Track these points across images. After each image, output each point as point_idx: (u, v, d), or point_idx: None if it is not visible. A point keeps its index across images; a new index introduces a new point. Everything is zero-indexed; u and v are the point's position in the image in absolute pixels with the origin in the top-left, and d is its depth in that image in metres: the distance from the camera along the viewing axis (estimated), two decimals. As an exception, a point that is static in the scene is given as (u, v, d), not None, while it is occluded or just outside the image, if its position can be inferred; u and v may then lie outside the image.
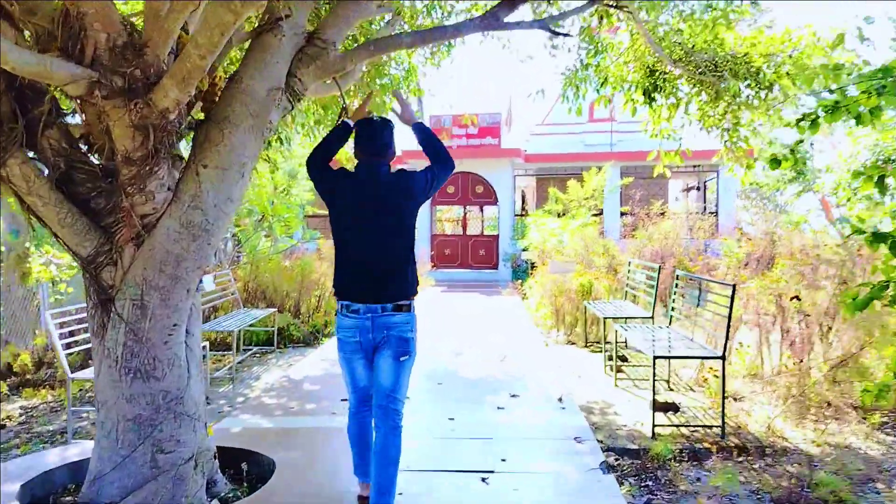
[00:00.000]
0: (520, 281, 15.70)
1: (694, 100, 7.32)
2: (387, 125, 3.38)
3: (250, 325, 7.81)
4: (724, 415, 4.68)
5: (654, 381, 4.73)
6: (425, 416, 4.91)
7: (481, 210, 22.67)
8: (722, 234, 15.57)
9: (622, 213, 13.85)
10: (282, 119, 6.18)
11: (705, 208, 19.23)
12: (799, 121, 3.06)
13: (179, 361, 3.56)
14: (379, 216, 3.16)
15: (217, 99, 3.73)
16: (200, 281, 7.65)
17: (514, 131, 21.67)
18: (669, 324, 6.11)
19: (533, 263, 14.00)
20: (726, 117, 7.35)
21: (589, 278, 8.42)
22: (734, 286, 4.68)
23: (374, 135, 3.31)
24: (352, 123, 3.47)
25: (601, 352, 7.76)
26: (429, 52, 8.81)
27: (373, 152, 3.28)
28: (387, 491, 3.10)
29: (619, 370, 6.52)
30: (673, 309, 6.09)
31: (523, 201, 26.02)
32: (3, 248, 7.50)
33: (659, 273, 6.62)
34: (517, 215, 19.95)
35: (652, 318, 6.63)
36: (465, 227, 20.58)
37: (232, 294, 8.37)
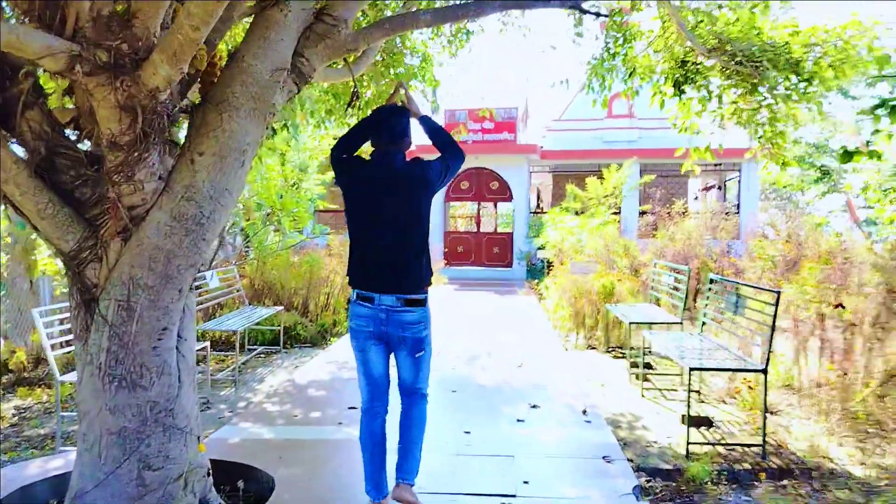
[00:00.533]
0: (535, 280, 15.30)
1: (726, 93, 6.90)
2: (403, 113, 3.36)
3: (255, 324, 7.49)
4: (765, 434, 4.29)
5: (689, 394, 4.34)
6: (439, 428, 4.55)
7: (495, 207, 22.30)
8: (745, 235, 15.11)
9: (642, 213, 13.41)
10: (288, 105, 5.83)
11: (728, 209, 18.69)
12: (876, 108, 2.66)
13: (169, 369, 3.21)
14: (394, 204, 3.15)
15: (216, 80, 3.39)
16: (204, 277, 7.32)
17: (530, 127, 21.27)
18: (701, 330, 5.72)
19: (549, 262, 13.60)
20: (761, 112, 6.93)
21: (611, 280, 8.03)
22: (778, 293, 4.28)
23: (390, 123, 3.28)
24: None
25: (624, 358, 7.37)
26: (446, 42, 8.45)
27: (388, 140, 3.25)
28: (411, 452, 3.27)
29: (645, 379, 6.13)
30: (705, 315, 5.69)
31: (538, 199, 25.59)
32: (8, 240, 7.23)
33: (689, 276, 6.22)
34: (532, 213, 19.54)
35: (681, 323, 6.23)
36: (478, 224, 20.19)
37: (237, 291, 8.05)
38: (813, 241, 13.74)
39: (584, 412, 5.02)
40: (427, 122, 3.45)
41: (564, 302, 8.97)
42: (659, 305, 7.68)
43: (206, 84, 3.47)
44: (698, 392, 5.67)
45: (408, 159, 3.28)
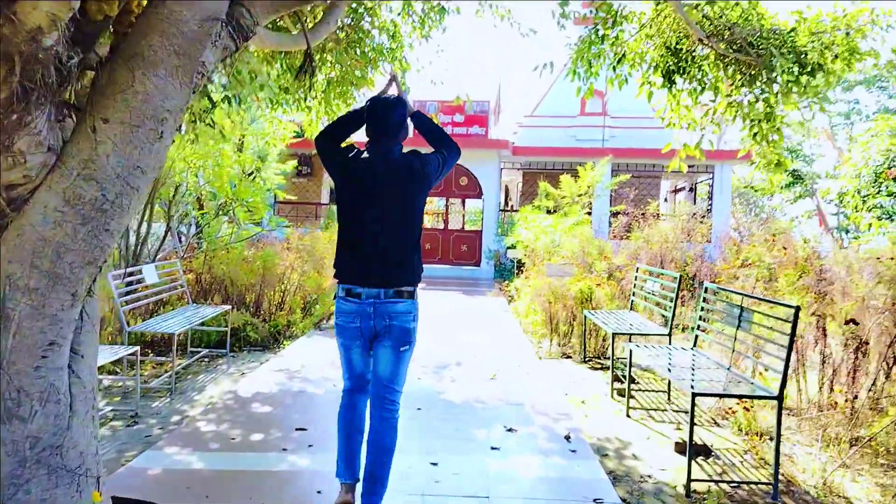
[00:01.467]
0: (505, 281, 14.73)
1: (721, 84, 6.38)
2: (400, 104, 3.20)
3: (200, 325, 6.73)
4: (777, 470, 3.72)
5: (692, 426, 3.75)
6: (402, 458, 3.90)
7: (463, 204, 21.70)
8: (717, 239, 14.77)
9: (615, 213, 12.94)
10: (234, 76, 5.08)
11: (704, 210, 18.38)
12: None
13: (57, 395, 2.51)
14: (389, 198, 3.06)
15: (130, 29, 2.68)
16: (140, 272, 6.53)
17: (502, 121, 20.71)
18: (694, 344, 5.17)
19: (520, 262, 13.04)
20: (757, 106, 6.43)
21: (588, 284, 7.46)
22: (797, 308, 3.72)
23: (386, 113, 3.14)
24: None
25: (602, 369, 6.81)
26: (417, 21, 7.77)
27: (385, 132, 3.13)
28: (379, 480, 3.06)
29: (628, 395, 5.57)
30: (698, 328, 5.14)
31: (507, 196, 25.10)
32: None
33: (680, 283, 5.67)
34: (501, 210, 18.98)
35: (669, 335, 5.68)
36: (446, 222, 19.54)
37: (181, 287, 7.26)
38: (790, 249, 13.47)
39: (568, 438, 4.41)
40: (420, 118, 3.38)
41: (537, 306, 8.39)
42: (643, 314, 7.15)
43: (117, 34, 2.76)
44: (686, 412, 5.11)
45: (405, 151, 3.19)
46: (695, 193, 21.37)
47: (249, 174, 14.10)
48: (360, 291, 3.03)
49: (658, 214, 13.36)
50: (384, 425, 3.10)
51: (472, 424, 4.69)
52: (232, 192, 9.33)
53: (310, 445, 4.17)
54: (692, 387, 3.90)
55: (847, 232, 17.90)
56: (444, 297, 12.37)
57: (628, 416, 5.13)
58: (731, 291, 4.68)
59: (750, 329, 4.24)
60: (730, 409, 5.14)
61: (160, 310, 7.56)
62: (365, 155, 3.13)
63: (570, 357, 7.40)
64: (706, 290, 5.15)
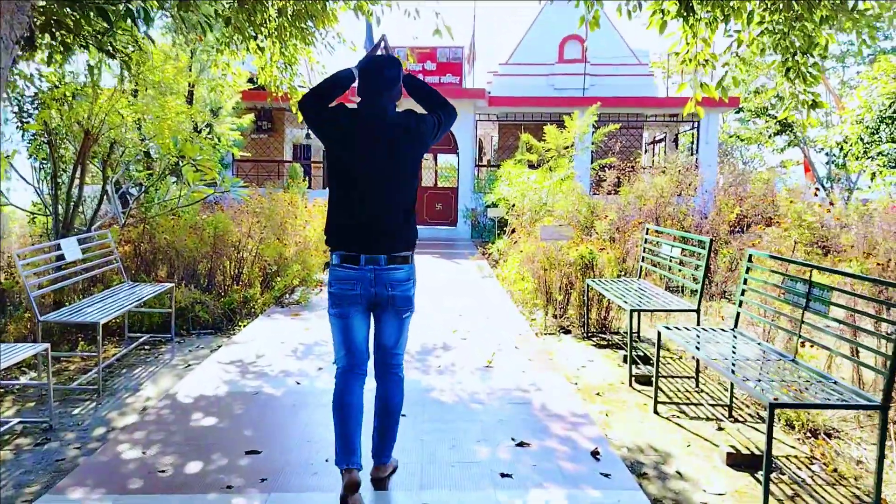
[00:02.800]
0: (485, 241, 13.77)
1: (752, 3, 5.37)
2: (394, 63, 3.04)
3: (138, 307, 5.65)
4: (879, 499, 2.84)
5: (770, 445, 2.83)
6: (383, 498, 2.93)
7: (435, 159, 20.54)
8: (706, 193, 13.94)
9: (603, 167, 11.97)
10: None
11: (690, 163, 17.54)
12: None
13: None
14: (384, 158, 2.90)
15: None
16: (58, 247, 5.40)
17: (477, 70, 19.46)
18: (735, 325, 4.26)
19: (502, 222, 12.06)
20: (791, 39, 5.45)
21: (590, 248, 6.50)
22: (911, 290, 2.80)
23: (381, 72, 2.97)
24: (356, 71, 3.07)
25: (608, 346, 5.91)
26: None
27: (378, 91, 2.96)
28: (389, 438, 3.09)
29: (649, 382, 4.68)
30: (741, 304, 4.23)
31: (480, 151, 23.99)
32: None
33: (710, 248, 4.72)
34: (477, 166, 17.90)
35: (697, 311, 4.76)
36: (420, 178, 18.42)
37: (115, 263, 6.14)
38: (776, 200, 12.67)
39: (596, 455, 3.47)
40: (412, 81, 3.21)
41: (528, 273, 7.45)
42: (658, 283, 6.25)
43: None
44: (729, 408, 4.22)
45: (399, 110, 3.01)
46: (676, 144, 20.51)
47: (201, 130, 12.81)
48: (358, 256, 2.89)
49: (652, 166, 12.40)
50: (392, 388, 3.08)
51: (472, 437, 3.73)
52: (176, 150, 8.11)
53: (263, 479, 3.17)
54: (763, 390, 2.97)
55: (838, 182, 17.27)
56: (422, 261, 11.36)
57: (656, 411, 4.23)
58: (797, 262, 3.73)
59: (827, 312, 3.31)
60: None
61: (92, 290, 6.45)
62: (357, 112, 2.95)
63: (568, 332, 6.49)
64: (750, 259, 4.21)
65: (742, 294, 4.22)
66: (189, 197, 8.92)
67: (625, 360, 5.41)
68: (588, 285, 6.16)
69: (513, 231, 11.02)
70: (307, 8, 6.66)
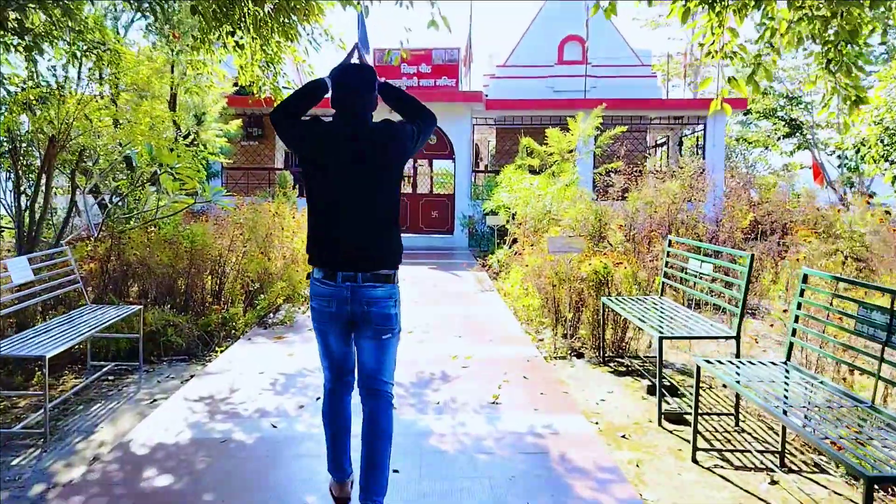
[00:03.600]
0: (483, 251, 13.13)
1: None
2: (369, 70, 2.92)
3: (100, 332, 5.01)
4: None
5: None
6: None
7: (430, 165, 19.92)
8: (714, 198, 13.35)
9: (610, 171, 11.35)
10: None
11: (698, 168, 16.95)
12: None
13: None
14: (362, 171, 2.75)
15: None
16: (5, 269, 4.75)
17: (473, 72, 18.87)
18: (788, 358, 3.63)
19: (502, 230, 11.43)
20: (830, 25, 4.85)
21: (604, 262, 5.87)
22: None
23: (353, 78, 2.86)
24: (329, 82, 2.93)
25: (628, 373, 5.28)
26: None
27: (353, 98, 2.83)
28: (378, 466, 2.76)
29: (681, 420, 4.04)
30: (794, 333, 3.60)
31: (477, 156, 23.38)
32: None
33: (752, 265, 4.09)
34: (474, 171, 17.28)
35: (737, 338, 4.13)
36: (414, 185, 17.77)
37: (74, 284, 5.48)
38: (788, 205, 12.07)
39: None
40: (387, 89, 3.03)
41: (533, 289, 6.81)
42: (684, 303, 5.62)
43: None
44: (781, 454, 3.58)
45: (376, 121, 2.87)
46: (680, 147, 19.94)
47: (185, 136, 12.17)
48: (336, 273, 2.76)
49: (654, 172, 11.79)
50: (377, 411, 2.83)
51: (479, 502, 3.08)
52: (147, 156, 7.46)
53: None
54: (859, 460, 2.33)
55: (852, 186, 16.68)
56: (417, 273, 10.71)
57: (695, 460, 3.60)
58: (874, 287, 3.09)
59: (919, 350, 2.69)
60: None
61: (38, 317, 5.80)
62: (332, 124, 2.82)
63: (581, 355, 5.86)
64: (805, 280, 3.58)
65: (796, 321, 3.59)
66: (170, 207, 8.28)
67: (649, 392, 4.78)
68: (604, 304, 5.53)
69: (514, 241, 10.39)
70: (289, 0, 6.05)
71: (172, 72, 10.90)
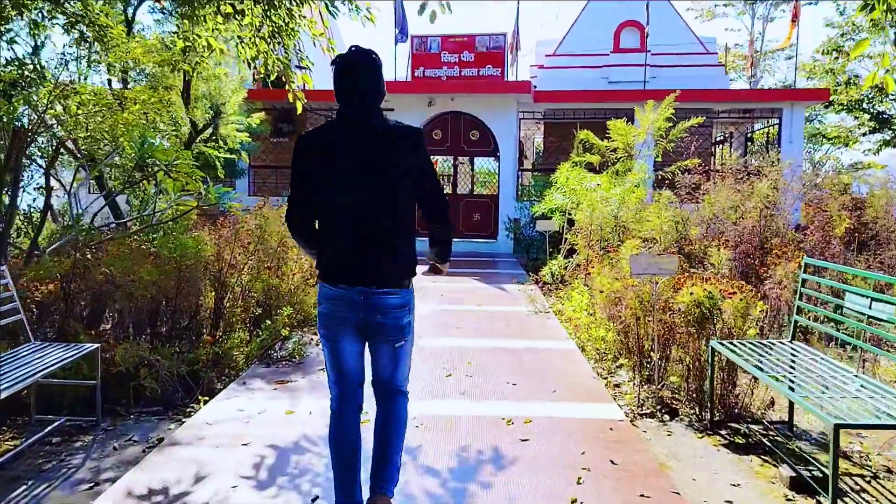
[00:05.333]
0: (535, 261, 11.66)
1: None
2: (369, 53, 2.64)
3: (44, 378, 3.75)
4: None
5: None
6: None
7: (471, 163, 18.47)
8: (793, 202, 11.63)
9: (682, 170, 9.77)
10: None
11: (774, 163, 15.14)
12: None
13: None
14: (369, 171, 2.56)
15: None
16: None
17: (521, 61, 17.42)
18: None
19: (556, 236, 9.97)
20: None
21: (703, 290, 4.39)
22: None
23: (355, 67, 2.60)
24: None
25: (747, 445, 3.79)
26: None
27: (358, 90, 2.59)
28: (390, 459, 2.69)
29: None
30: None
31: (520, 154, 21.88)
32: None
33: None
34: (521, 170, 15.81)
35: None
36: (454, 185, 16.36)
37: (13, 316, 4.23)
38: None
39: None
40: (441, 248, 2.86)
41: (607, 318, 5.36)
42: (807, 342, 4.12)
43: None
44: None
45: (391, 120, 2.65)
46: (746, 143, 18.12)
47: (201, 130, 11.00)
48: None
49: (742, 169, 10.13)
50: (392, 412, 2.74)
51: None
52: (137, 151, 6.21)
53: None
54: None
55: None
56: (457, 288, 9.29)
57: None
58: None
59: None
60: None
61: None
62: (338, 124, 2.61)
63: (675, 412, 4.40)
64: None
65: None
66: (169, 212, 7.03)
67: (793, 487, 3.30)
68: (712, 349, 4.06)
69: (571, 251, 8.93)
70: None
71: (185, 56, 9.72)
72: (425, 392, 4.69)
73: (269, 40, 5.38)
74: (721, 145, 19.57)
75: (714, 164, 17.62)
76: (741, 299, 4.30)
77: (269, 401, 4.54)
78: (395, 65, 15.18)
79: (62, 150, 6.68)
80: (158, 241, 6.00)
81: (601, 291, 5.15)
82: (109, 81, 9.14)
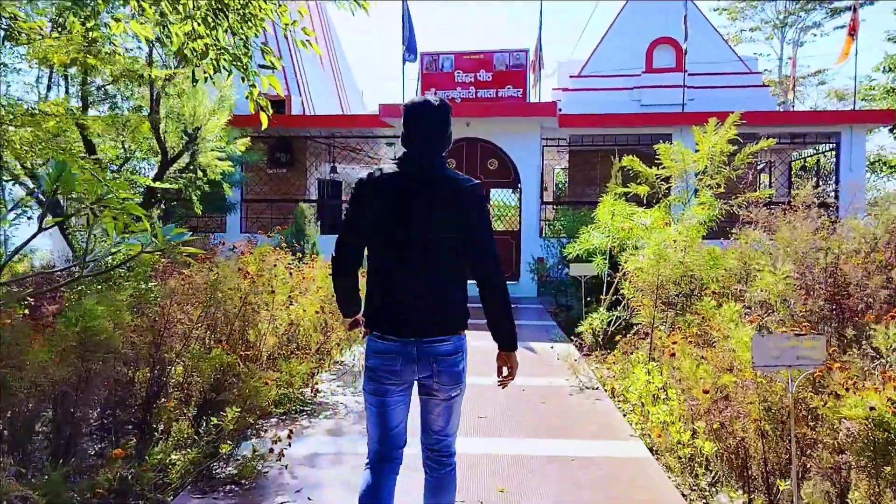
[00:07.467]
0: (565, 309, 9.96)
1: None
2: (442, 104, 2.62)
3: None
4: None
5: None
6: None
7: (488, 196, 16.84)
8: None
9: (748, 203, 8.09)
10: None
11: (824, 198, 13.30)
12: None
13: None
14: (427, 223, 2.52)
15: None
16: None
17: (544, 82, 15.95)
18: None
19: (595, 282, 8.28)
20: None
21: (889, 399, 2.69)
22: None
23: (424, 111, 2.58)
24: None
25: None
26: None
27: (422, 139, 2.58)
28: None
29: None
30: None
31: (541, 184, 20.28)
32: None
33: None
34: (544, 203, 14.17)
35: None
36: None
37: None
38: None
39: None
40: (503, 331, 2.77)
41: (705, 426, 3.66)
42: None
43: None
44: None
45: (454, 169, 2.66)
46: (789, 173, 16.43)
47: (174, 158, 9.47)
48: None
49: (814, 203, 8.44)
50: (444, 478, 2.68)
51: None
52: (53, 182, 4.62)
53: None
54: None
55: None
56: (475, 348, 7.56)
57: None
58: None
59: None
60: None
61: None
62: (397, 171, 2.57)
63: None
64: None
65: None
66: (122, 255, 5.38)
67: None
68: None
69: (616, 301, 7.22)
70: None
71: (150, 64, 8.23)
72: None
73: (209, 25, 3.80)
74: (760, 174, 17.87)
75: (771, 195, 15.90)
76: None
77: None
78: (404, 86, 13.69)
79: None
80: (69, 306, 4.37)
81: (705, 392, 3.43)
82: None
